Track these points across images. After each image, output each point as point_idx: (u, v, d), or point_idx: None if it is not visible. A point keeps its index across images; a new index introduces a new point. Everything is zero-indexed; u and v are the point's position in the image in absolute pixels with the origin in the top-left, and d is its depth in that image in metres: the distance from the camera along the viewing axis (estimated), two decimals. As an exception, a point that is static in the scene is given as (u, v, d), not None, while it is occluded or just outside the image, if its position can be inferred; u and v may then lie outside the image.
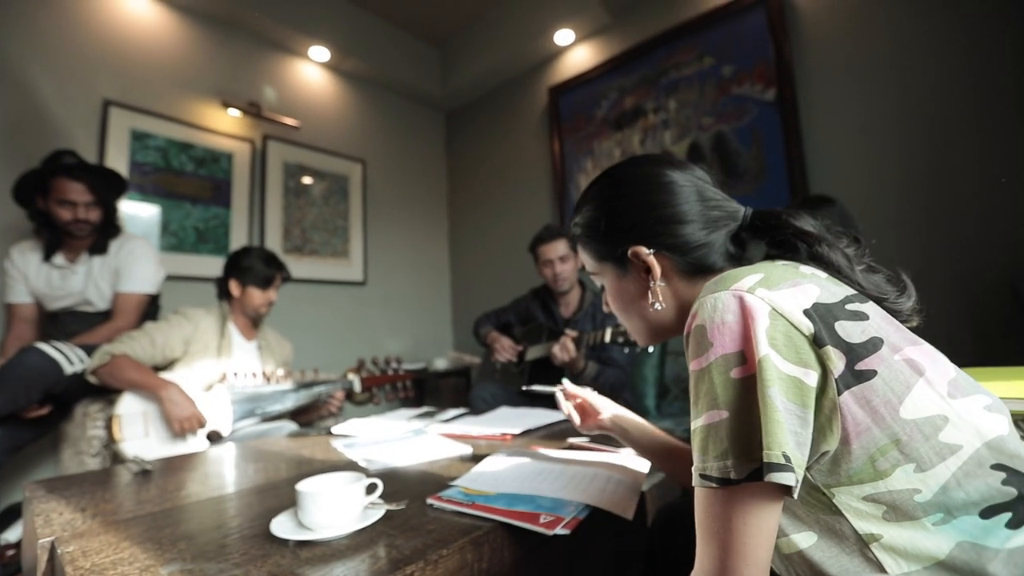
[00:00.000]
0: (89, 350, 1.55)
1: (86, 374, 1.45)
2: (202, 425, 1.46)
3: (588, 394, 0.90)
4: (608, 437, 1.12)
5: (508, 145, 3.32)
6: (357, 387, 1.76)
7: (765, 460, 0.39)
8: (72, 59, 2.14)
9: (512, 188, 3.28)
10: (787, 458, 0.38)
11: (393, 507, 0.68)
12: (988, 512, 0.40)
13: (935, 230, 1.78)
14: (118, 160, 2.21)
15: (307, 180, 2.89)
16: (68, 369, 1.49)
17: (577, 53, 2.96)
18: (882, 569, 0.41)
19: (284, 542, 0.62)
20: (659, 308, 0.58)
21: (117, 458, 1.45)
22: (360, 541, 0.61)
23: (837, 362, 0.41)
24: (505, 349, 1.94)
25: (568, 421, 1.39)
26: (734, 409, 0.42)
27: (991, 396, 0.45)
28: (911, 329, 0.51)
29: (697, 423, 0.44)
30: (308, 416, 1.81)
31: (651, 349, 1.33)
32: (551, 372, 1.87)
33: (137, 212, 2.28)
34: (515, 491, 0.73)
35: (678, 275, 0.58)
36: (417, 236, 3.48)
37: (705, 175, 0.61)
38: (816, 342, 0.42)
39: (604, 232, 0.61)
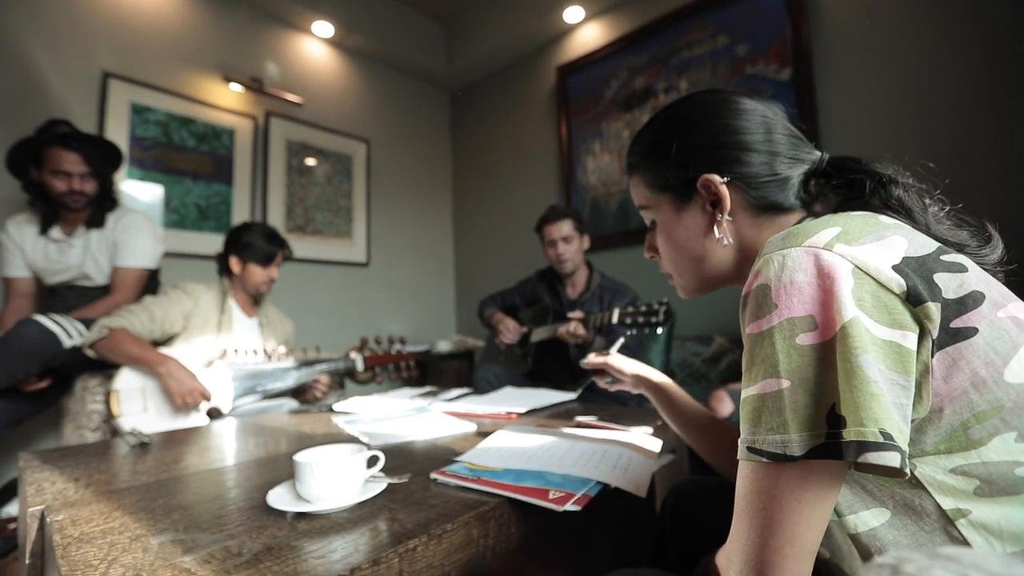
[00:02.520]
0: (88, 324, 1.52)
1: (83, 348, 1.43)
2: (205, 398, 1.44)
3: (615, 362, 0.87)
4: (618, 416, 1.10)
5: (514, 126, 3.26)
6: (360, 366, 1.73)
7: (856, 439, 0.34)
8: (70, 28, 2.09)
9: (517, 169, 3.22)
10: (886, 435, 0.34)
11: (395, 480, 0.65)
12: None
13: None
14: (118, 134, 2.16)
15: (311, 161, 2.84)
16: (67, 342, 1.46)
17: (586, 31, 2.89)
18: None
19: (281, 514, 0.59)
20: (727, 244, 0.54)
21: (116, 433, 1.43)
22: (360, 514, 0.58)
23: (936, 319, 0.37)
24: (510, 330, 1.91)
25: (576, 401, 1.36)
26: (798, 378, 0.37)
27: None
28: None
29: (750, 391, 0.40)
30: (311, 394, 1.79)
31: (659, 331, 1.29)
32: (556, 353, 1.84)
33: (140, 189, 2.25)
34: (523, 467, 0.70)
35: (745, 211, 0.54)
36: (421, 218, 3.43)
37: (780, 111, 0.57)
38: (911, 300, 0.37)
39: (674, 154, 0.56)
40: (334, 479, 0.59)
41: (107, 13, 2.19)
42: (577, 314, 1.62)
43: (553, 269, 1.97)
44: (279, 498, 0.61)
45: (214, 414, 1.50)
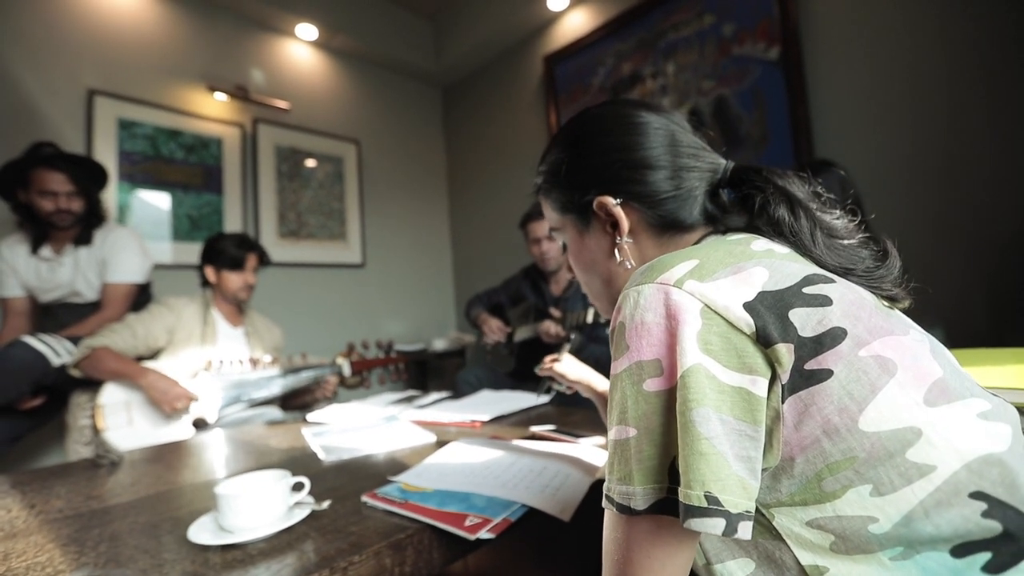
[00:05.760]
0: (78, 341, 1.56)
1: (68, 368, 1.47)
2: (193, 400, 1.47)
3: (559, 368, 0.85)
4: (583, 423, 1.08)
5: (506, 118, 3.22)
6: (347, 371, 1.74)
7: (683, 500, 0.32)
8: (54, 48, 2.12)
9: (511, 162, 3.19)
10: (711, 499, 0.32)
11: (317, 507, 0.65)
12: (961, 550, 0.32)
13: (948, 196, 1.66)
14: (106, 150, 2.20)
15: (311, 163, 2.86)
16: (55, 361, 1.50)
17: (572, 18, 2.82)
18: None
19: (204, 545, 0.60)
20: (629, 267, 0.51)
21: (97, 451, 1.47)
22: (275, 545, 0.58)
23: (786, 362, 0.34)
24: (493, 331, 1.90)
25: (550, 404, 1.35)
26: (643, 427, 0.35)
27: (992, 400, 0.36)
28: (904, 312, 0.43)
29: (609, 436, 0.38)
30: (300, 400, 1.81)
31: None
32: (540, 352, 1.82)
33: (144, 201, 2.31)
34: (455, 488, 0.69)
35: (646, 231, 0.51)
36: (417, 216, 3.43)
37: (683, 122, 0.54)
38: (761, 340, 0.34)
39: (566, 176, 0.54)
40: (250, 510, 0.60)
41: (89, 31, 2.21)
42: (556, 313, 1.60)
43: (537, 266, 1.95)
44: (200, 529, 0.62)
45: (200, 424, 1.53)
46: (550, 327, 1.56)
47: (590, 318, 1.39)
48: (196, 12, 2.52)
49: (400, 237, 3.31)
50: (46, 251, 1.75)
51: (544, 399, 1.37)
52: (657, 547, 0.35)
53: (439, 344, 3.00)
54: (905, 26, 1.76)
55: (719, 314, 0.35)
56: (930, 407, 0.34)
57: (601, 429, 1.01)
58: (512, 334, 1.88)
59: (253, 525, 0.60)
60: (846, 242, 0.45)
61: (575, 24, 2.80)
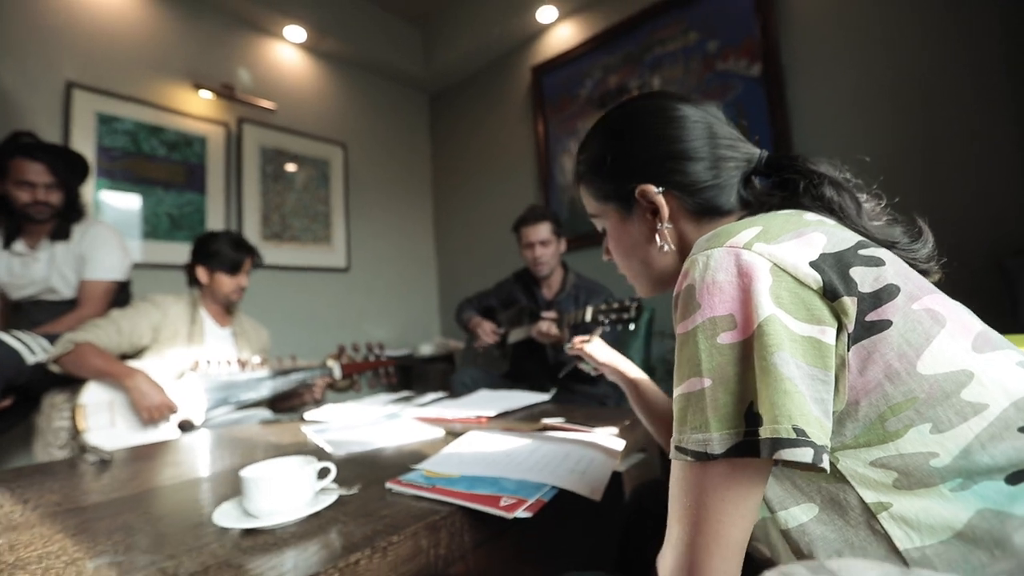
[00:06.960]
0: (53, 339, 1.49)
1: (48, 363, 1.39)
2: (173, 412, 1.42)
3: (589, 348, 0.86)
4: (589, 418, 1.09)
5: (492, 127, 3.25)
6: (337, 374, 1.71)
7: (770, 436, 0.34)
8: (31, 37, 2.05)
9: (497, 170, 3.22)
10: (799, 431, 0.34)
11: (345, 492, 0.64)
12: (1016, 477, 0.35)
13: (924, 207, 1.75)
14: (84, 145, 2.12)
15: (291, 167, 2.82)
16: (30, 359, 1.43)
17: (561, 31, 2.89)
18: (891, 544, 0.37)
19: (228, 531, 0.58)
20: (667, 250, 0.55)
21: (84, 450, 1.40)
22: (307, 529, 0.57)
23: (852, 313, 0.37)
24: (487, 334, 1.90)
25: (551, 402, 1.36)
26: (718, 377, 0.38)
27: (1022, 353, 0.41)
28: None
29: (677, 391, 0.40)
30: (289, 403, 1.77)
31: (631, 327, 1.28)
32: (534, 354, 1.83)
33: (118, 199, 2.22)
34: (480, 473, 0.69)
35: (685, 217, 0.55)
36: (402, 221, 3.41)
37: (719, 113, 0.57)
38: (827, 295, 0.38)
39: (610, 168, 0.57)
40: (279, 494, 0.58)
41: (70, 22, 2.14)
42: (550, 314, 1.61)
43: (529, 270, 1.96)
44: (226, 515, 0.60)
45: (186, 426, 1.47)
46: (550, 328, 1.58)
47: (588, 316, 1.41)
48: (182, 7, 2.47)
49: (385, 242, 3.28)
50: (19, 245, 1.66)
51: (546, 396, 1.38)
52: (732, 489, 0.37)
53: (425, 349, 2.97)
54: (883, 44, 1.86)
55: (787, 271, 0.38)
56: (978, 353, 0.38)
57: (607, 422, 1.03)
58: (506, 336, 1.88)
59: (282, 509, 0.59)
60: (875, 223, 0.49)
61: (563, 37, 2.87)
